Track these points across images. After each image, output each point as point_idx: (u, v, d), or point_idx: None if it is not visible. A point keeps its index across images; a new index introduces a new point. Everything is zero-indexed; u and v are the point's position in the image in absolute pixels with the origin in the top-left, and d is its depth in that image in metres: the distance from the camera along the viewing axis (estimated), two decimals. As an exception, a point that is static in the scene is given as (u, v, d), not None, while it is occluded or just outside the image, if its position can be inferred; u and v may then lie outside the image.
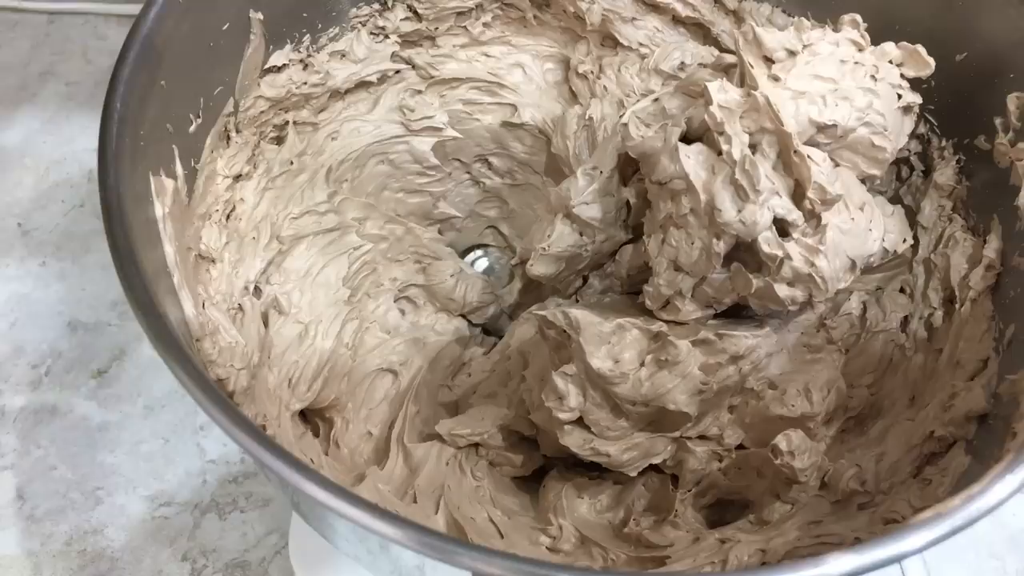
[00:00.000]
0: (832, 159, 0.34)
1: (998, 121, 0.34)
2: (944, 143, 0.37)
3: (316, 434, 0.39)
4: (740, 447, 0.36)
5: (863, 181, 0.36)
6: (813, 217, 0.33)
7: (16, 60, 0.60)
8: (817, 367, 0.36)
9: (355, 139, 0.43)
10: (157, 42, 0.29)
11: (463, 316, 0.46)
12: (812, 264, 0.33)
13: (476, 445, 0.39)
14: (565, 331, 0.35)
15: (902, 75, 0.35)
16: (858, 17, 0.35)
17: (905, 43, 0.35)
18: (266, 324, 0.37)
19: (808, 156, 0.32)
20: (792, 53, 0.34)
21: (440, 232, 0.48)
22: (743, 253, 0.34)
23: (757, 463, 0.34)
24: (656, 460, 0.35)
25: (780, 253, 0.33)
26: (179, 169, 0.31)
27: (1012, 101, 0.33)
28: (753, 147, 0.33)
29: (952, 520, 0.23)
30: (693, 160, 0.33)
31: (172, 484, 0.45)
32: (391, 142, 0.44)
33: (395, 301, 0.44)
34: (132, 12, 0.29)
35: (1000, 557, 0.43)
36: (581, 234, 0.38)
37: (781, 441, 0.32)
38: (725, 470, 0.35)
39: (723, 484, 0.35)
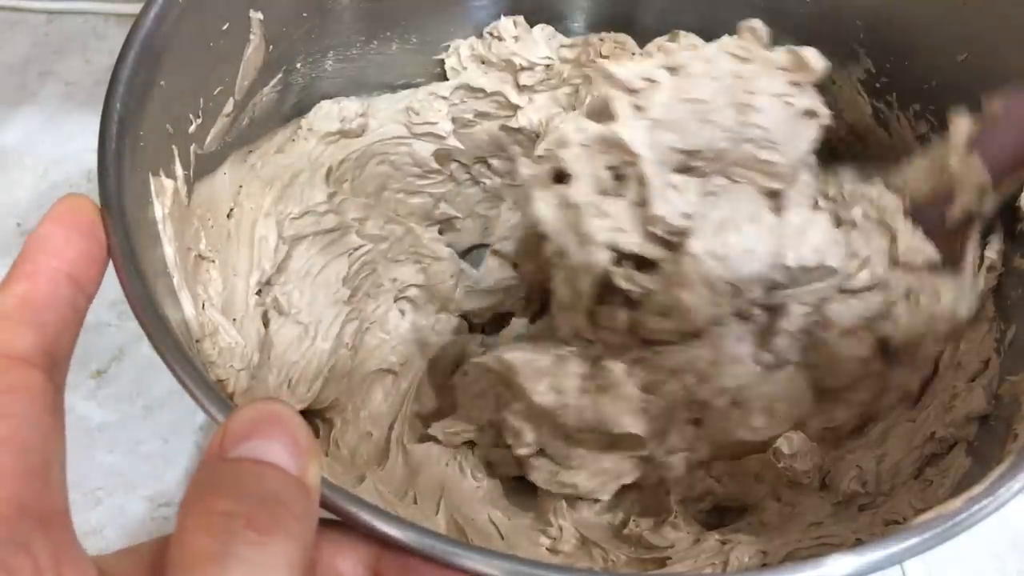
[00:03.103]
0: (727, 177, 0.34)
1: (999, 121, 0.34)
2: (945, 143, 0.37)
3: (316, 435, 0.39)
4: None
5: (777, 195, 0.35)
6: (673, 247, 0.33)
7: (15, 60, 0.60)
8: (772, 382, 0.35)
9: (356, 139, 0.43)
10: (157, 42, 0.29)
11: (463, 316, 0.46)
12: (673, 296, 0.32)
13: (472, 444, 0.39)
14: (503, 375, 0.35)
15: (793, 82, 0.34)
16: (755, 23, 0.34)
17: (792, 47, 0.34)
18: (266, 325, 0.37)
19: (672, 186, 0.32)
20: (653, 81, 0.33)
21: (440, 232, 0.48)
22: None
23: (755, 468, 0.34)
24: (628, 480, 0.35)
25: (636, 288, 0.32)
26: (179, 170, 0.31)
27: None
28: (621, 178, 0.33)
29: (953, 522, 0.23)
30: (544, 205, 0.33)
31: (172, 484, 0.45)
32: (392, 143, 0.43)
33: (395, 301, 0.44)
34: (132, 12, 0.29)
35: (1001, 557, 0.43)
36: (511, 267, 0.39)
37: (783, 444, 0.32)
38: (719, 477, 0.35)
39: (719, 492, 0.35)
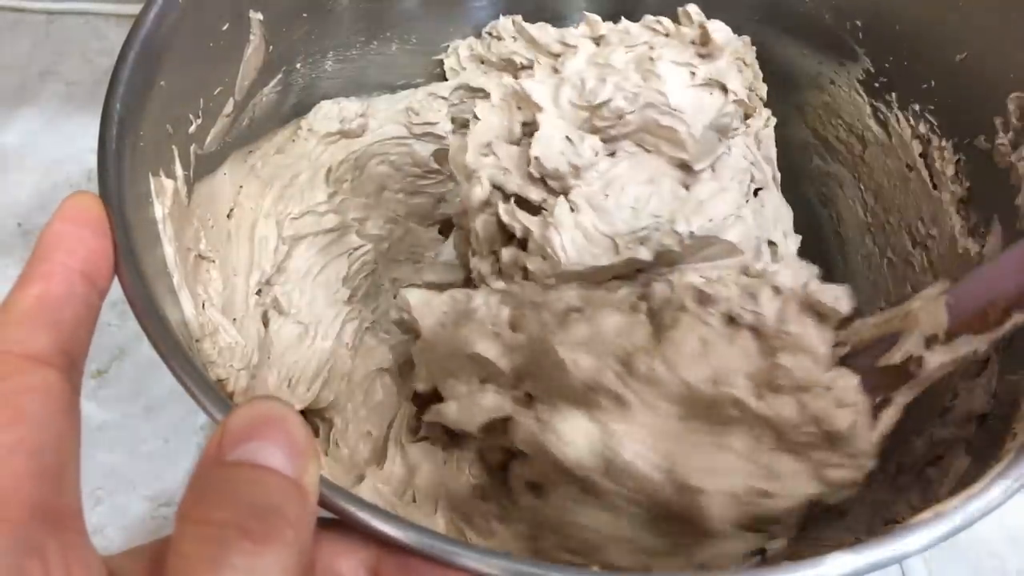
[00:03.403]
0: (639, 145, 0.36)
1: (998, 121, 0.34)
2: (944, 143, 0.37)
3: (316, 434, 0.39)
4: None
5: (689, 169, 0.36)
6: (556, 194, 0.35)
7: (16, 60, 0.60)
8: (621, 323, 0.32)
9: (356, 139, 0.43)
10: (157, 42, 0.29)
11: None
12: (546, 236, 0.34)
13: (469, 438, 0.39)
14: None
15: (700, 54, 0.36)
16: (691, 8, 0.37)
17: (703, 22, 0.37)
18: (266, 325, 0.37)
19: (566, 137, 0.34)
20: (569, 46, 0.37)
21: (440, 232, 0.48)
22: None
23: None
24: (495, 415, 0.33)
25: (517, 224, 0.35)
26: (179, 170, 0.31)
27: (1012, 101, 0.33)
28: (532, 133, 0.36)
29: (952, 520, 0.23)
30: (454, 147, 0.36)
31: (172, 484, 0.45)
32: (392, 143, 0.44)
33: (395, 300, 0.44)
34: (132, 12, 0.29)
35: (1000, 556, 0.43)
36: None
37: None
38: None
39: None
